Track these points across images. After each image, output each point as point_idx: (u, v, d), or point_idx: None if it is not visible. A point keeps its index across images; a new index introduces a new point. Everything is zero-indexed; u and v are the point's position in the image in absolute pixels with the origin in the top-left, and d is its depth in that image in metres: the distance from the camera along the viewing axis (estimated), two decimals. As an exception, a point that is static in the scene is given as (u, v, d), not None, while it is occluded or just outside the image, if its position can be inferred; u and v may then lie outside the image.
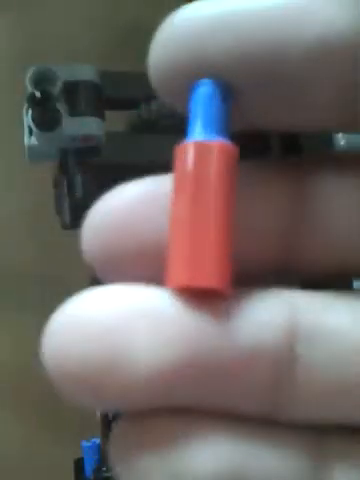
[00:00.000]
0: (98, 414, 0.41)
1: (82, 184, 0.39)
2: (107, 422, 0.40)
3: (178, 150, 0.11)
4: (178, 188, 0.11)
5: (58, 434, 0.53)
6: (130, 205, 0.11)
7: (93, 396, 0.10)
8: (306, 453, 0.11)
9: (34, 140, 0.37)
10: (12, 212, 0.54)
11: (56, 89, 0.35)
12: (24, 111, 0.37)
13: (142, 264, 0.11)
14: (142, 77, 0.44)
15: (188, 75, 0.10)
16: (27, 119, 0.36)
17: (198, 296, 0.10)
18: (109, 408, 0.11)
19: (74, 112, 0.36)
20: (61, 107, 0.35)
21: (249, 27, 0.10)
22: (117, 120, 0.42)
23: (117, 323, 0.10)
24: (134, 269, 0.11)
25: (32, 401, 0.54)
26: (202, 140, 0.10)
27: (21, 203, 0.54)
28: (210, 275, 0.10)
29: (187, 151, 0.10)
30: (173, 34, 0.11)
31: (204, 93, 0.10)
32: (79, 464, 0.42)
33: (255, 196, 0.11)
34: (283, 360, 0.10)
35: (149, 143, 0.40)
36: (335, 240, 0.11)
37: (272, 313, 0.10)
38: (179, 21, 0.11)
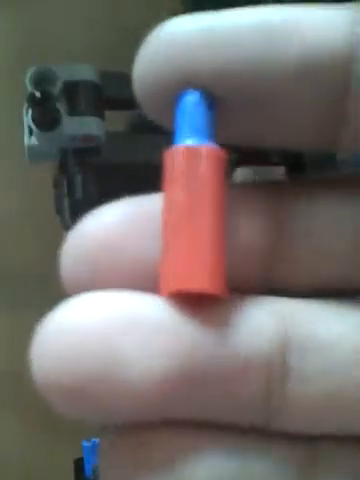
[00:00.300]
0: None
1: (82, 184, 0.39)
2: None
3: (167, 155, 0.11)
4: (169, 193, 0.10)
5: (58, 434, 0.53)
6: (109, 227, 0.11)
7: (83, 408, 0.10)
8: (295, 463, 0.11)
9: (34, 140, 0.37)
10: (12, 212, 0.54)
11: (56, 89, 0.35)
12: (24, 111, 0.37)
13: (128, 286, 0.10)
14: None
15: (173, 90, 0.10)
16: (27, 119, 0.36)
17: (191, 304, 0.10)
18: (98, 420, 0.10)
19: (74, 112, 0.36)
20: (61, 107, 0.35)
21: (235, 43, 0.10)
22: (117, 120, 0.42)
23: (108, 331, 0.10)
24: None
25: (32, 401, 0.53)
26: (190, 145, 0.10)
27: (21, 203, 0.54)
28: (204, 279, 0.10)
29: (176, 155, 0.10)
30: (159, 48, 0.10)
31: (190, 101, 0.10)
32: (79, 464, 0.42)
33: (238, 213, 0.11)
34: (276, 371, 0.10)
35: (149, 143, 0.40)
36: (317, 258, 0.11)
37: (265, 323, 0.10)
38: (165, 35, 0.11)
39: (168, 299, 0.10)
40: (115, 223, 0.11)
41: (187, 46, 0.10)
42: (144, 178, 0.40)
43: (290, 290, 0.11)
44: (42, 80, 0.35)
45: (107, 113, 0.38)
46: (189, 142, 0.10)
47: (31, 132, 0.36)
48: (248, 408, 0.10)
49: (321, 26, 0.10)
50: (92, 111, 0.37)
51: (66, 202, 0.40)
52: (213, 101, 0.10)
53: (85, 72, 0.37)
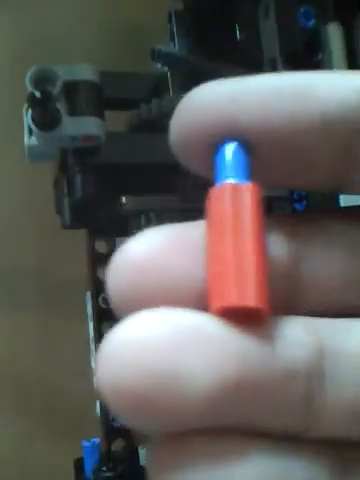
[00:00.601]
0: (98, 414, 0.41)
1: (82, 184, 0.39)
2: (107, 422, 0.41)
3: (213, 191, 0.12)
4: (215, 224, 0.12)
5: (58, 434, 0.53)
6: (154, 249, 0.12)
7: (149, 416, 0.11)
8: (331, 467, 0.12)
9: (34, 140, 0.37)
10: (12, 212, 0.54)
11: (56, 89, 0.35)
12: (24, 111, 0.37)
13: (174, 305, 0.11)
14: (142, 77, 0.44)
15: (212, 142, 0.12)
16: (27, 119, 0.36)
17: (239, 319, 0.11)
18: (161, 428, 0.11)
19: (74, 112, 0.36)
20: (61, 107, 0.35)
21: (266, 100, 0.12)
22: (117, 120, 0.42)
23: (170, 344, 0.11)
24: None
25: (32, 401, 0.54)
26: (234, 182, 0.12)
27: (21, 203, 0.54)
28: (254, 296, 0.11)
29: (223, 191, 0.12)
30: (199, 107, 0.12)
31: (230, 148, 0.12)
32: (79, 464, 0.42)
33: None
34: (315, 379, 0.11)
35: (149, 143, 0.40)
36: (335, 283, 0.12)
37: (303, 335, 0.12)
38: (203, 96, 0.12)
39: (218, 315, 0.11)
40: (160, 245, 0.12)
41: (230, 101, 0.12)
42: (144, 178, 0.40)
43: (311, 314, 0.12)
44: (42, 80, 0.35)
45: (107, 113, 0.38)
46: (232, 181, 0.12)
47: (31, 132, 0.36)
48: (291, 414, 0.11)
49: (335, 86, 0.12)
50: (92, 111, 0.37)
51: (66, 202, 0.40)
52: (248, 152, 0.12)
53: (85, 72, 0.37)
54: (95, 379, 0.11)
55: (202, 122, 0.12)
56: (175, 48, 0.44)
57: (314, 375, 0.11)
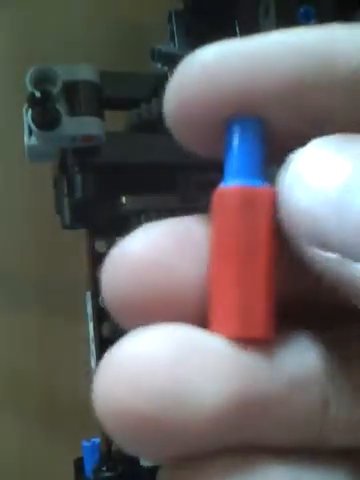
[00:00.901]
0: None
1: (82, 184, 0.39)
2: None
3: (219, 194, 0.10)
4: (221, 237, 0.10)
5: (58, 434, 0.53)
6: (150, 248, 0.11)
7: (152, 439, 0.10)
8: (348, 476, 0.11)
9: (34, 140, 0.37)
10: (12, 212, 0.54)
11: (56, 89, 0.35)
12: (24, 111, 0.37)
13: (165, 312, 0.11)
14: (142, 77, 0.44)
15: (221, 116, 0.10)
16: (27, 119, 0.36)
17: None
18: (167, 452, 0.10)
19: (74, 112, 0.36)
20: (61, 107, 0.35)
21: (282, 58, 0.10)
22: (117, 120, 0.42)
23: (172, 362, 0.10)
24: (156, 317, 0.11)
25: (32, 401, 0.54)
26: (247, 185, 0.10)
27: (21, 203, 0.54)
28: (260, 326, 0.10)
29: (232, 198, 0.10)
30: (204, 70, 0.10)
31: (244, 132, 0.10)
32: (79, 464, 0.42)
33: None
34: (328, 388, 0.11)
35: (149, 143, 0.40)
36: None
37: (309, 345, 0.11)
38: (209, 57, 0.10)
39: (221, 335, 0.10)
40: (159, 241, 0.11)
41: (239, 66, 0.10)
42: (144, 178, 0.40)
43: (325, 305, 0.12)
44: (42, 80, 0.35)
45: (107, 113, 0.38)
46: (243, 181, 0.10)
47: (31, 132, 0.36)
48: (306, 427, 0.11)
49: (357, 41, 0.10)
50: (92, 111, 0.37)
51: (66, 202, 0.40)
52: (262, 129, 0.10)
53: (85, 72, 0.37)
54: (94, 402, 0.10)
55: (210, 90, 0.10)
56: (175, 48, 0.44)
57: (326, 382, 0.11)
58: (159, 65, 0.43)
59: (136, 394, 0.10)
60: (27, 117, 0.36)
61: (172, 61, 0.43)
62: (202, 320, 0.11)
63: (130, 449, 0.10)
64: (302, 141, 0.10)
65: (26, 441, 0.53)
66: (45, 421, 0.54)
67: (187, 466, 0.10)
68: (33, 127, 0.35)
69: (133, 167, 0.40)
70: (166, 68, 0.43)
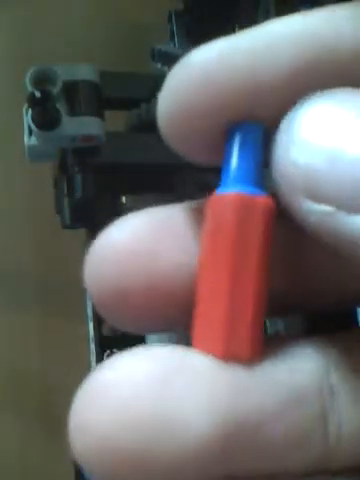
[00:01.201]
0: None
1: (82, 184, 0.39)
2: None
3: (214, 200, 0.10)
4: (213, 246, 0.10)
5: (58, 434, 0.53)
6: (134, 237, 0.10)
7: (141, 474, 0.09)
8: None
9: (34, 140, 0.37)
10: (12, 211, 0.54)
11: (56, 89, 0.35)
12: (24, 111, 0.37)
13: (150, 301, 0.10)
14: (142, 77, 0.44)
15: (221, 123, 0.10)
16: (27, 119, 0.36)
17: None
18: None
19: (74, 112, 0.36)
20: (61, 107, 0.35)
21: (292, 50, 0.10)
22: (117, 120, 0.42)
23: (157, 389, 0.09)
24: (141, 306, 0.10)
25: (32, 401, 0.53)
26: (245, 193, 0.10)
27: (21, 203, 0.54)
28: (246, 349, 0.10)
29: (228, 205, 0.10)
30: (201, 72, 0.10)
31: (242, 139, 0.10)
32: (79, 464, 0.42)
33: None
34: (327, 398, 0.10)
35: (149, 143, 0.40)
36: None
37: (309, 355, 0.10)
38: (206, 58, 0.10)
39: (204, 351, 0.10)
40: (144, 230, 0.10)
41: (240, 64, 0.09)
42: (144, 178, 0.40)
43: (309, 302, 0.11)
44: (42, 80, 0.35)
45: (107, 113, 0.38)
46: (240, 188, 0.10)
47: (31, 132, 0.36)
48: (308, 444, 0.10)
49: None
50: (92, 111, 0.37)
51: (66, 202, 0.39)
52: (264, 136, 0.10)
53: (85, 72, 0.37)
54: (69, 434, 0.09)
55: (211, 93, 0.09)
56: (175, 48, 0.44)
57: (326, 396, 0.10)
58: (159, 65, 0.43)
59: (117, 426, 0.09)
60: (27, 117, 0.36)
61: (172, 61, 0.43)
62: (188, 309, 0.10)
63: None
64: None
65: (26, 441, 0.53)
66: (45, 421, 0.54)
67: None
68: (33, 127, 0.35)
69: (133, 167, 0.40)
70: (166, 68, 0.43)
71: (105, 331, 0.41)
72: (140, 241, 0.10)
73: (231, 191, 0.10)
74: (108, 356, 0.41)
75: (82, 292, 0.47)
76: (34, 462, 0.53)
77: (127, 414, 0.09)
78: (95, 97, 0.37)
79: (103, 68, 0.39)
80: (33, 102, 0.34)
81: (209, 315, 0.10)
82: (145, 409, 0.09)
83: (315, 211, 0.09)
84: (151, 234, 0.10)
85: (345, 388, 0.10)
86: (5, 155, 0.53)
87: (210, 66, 0.10)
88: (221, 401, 0.09)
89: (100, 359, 0.40)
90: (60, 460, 0.49)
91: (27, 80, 0.34)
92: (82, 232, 0.42)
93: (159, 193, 0.40)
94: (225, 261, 0.10)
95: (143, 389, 0.09)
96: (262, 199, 0.10)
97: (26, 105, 0.36)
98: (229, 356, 0.10)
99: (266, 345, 0.10)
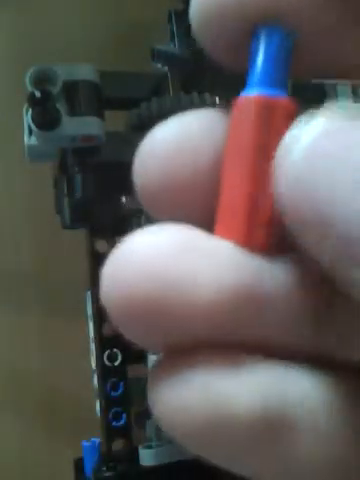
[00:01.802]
0: (98, 414, 0.41)
1: (82, 184, 0.39)
2: (107, 422, 0.40)
3: (239, 102, 0.10)
4: (236, 141, 0.10)
5: (58, 434, 0.53)
6: (179, 135, 0.11)
7: (153, 322, 0.10)
8: (345, 391, 0.11)
9: (34, 140, 0.37)
10: (12, 211, 0.54)
11: (56, 89, 0.35)
12: (24, 111, 0.37)
13: (192, 194, 0.11)
14: (142, 77, 0.44)
15: (247, 23, 0.10)
16: (27, 119, 0.36)
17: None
18: (166, 337, 0.11)
19: (74, 112, 0.36)
20: (61, 107, 0.35)
21: None
22: (117, 120, 0.42)
23: (176, 255, 0.11)
24: (185, 198, 0.11)
25: (32, 401, 0.54)
26: (268, 95, 0.10)
27: (21, 203, 0.54)
28: (263, 240, 0.11)
29: (250, 104, 0.10)
30: None
31: (267, 42, 0.10)
32: (79, 464, 0.42)
33: None
34: (328, 289, 0.11)
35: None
36: None
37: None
38: None
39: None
40: (186, 129, 0.11)
41: None
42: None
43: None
44: (42, 80, 0.35)
45: (107, 113, 0.38)
46: (265, 92, 0.10)
47: (31, 132, 0.36)
48: (303, 325, 0.11)
49: None
50: (92, 111, 0.37)
51: (66, 202, 0.40)
52: (291, 41, 0.10)
53: (85, 72, 0.37)
54: (101, 292, 0.11)
55: None
56: (175, 48, 0.44)
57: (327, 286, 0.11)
58: (159, 65, 0.43)
59: (142, 277, 0.10)
60: (27, 117, 0.36)
61: (172, 61, 0.43)
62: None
63: (130, 331, 0.11)
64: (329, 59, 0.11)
65: (26, 441, 0.53)
66: (45, 421, 0.54)
67: (179, 353, 0.11)
68: (33, 127, 0.35)
69: (133, 167, 0.40)
70: (166, 68, 0.43)
71: (105, 331, 0.41)
72: (184, 140, 0.11)
73: (254, 93, 0.10)
74: (108, 356, 0.41)
75: (82, 292, 0.47)
76: (34, 462, 0.53)
77: (148, 270, 0.10)
78: (95, 97, 0.37)
79: (103, 68, 0.39)
80: (33, 102, 0.34)
81: (231, 207, 0.11)
82: (164, 268, 0.10)
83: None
84: (192, 133, 0.11)
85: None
86: (5, 155, 0.53)
87: None
88: (230, 273, 0.11)
89: (100, 359, 0.40)
90: (60, 460, 0.49)
91: (27, 80, 0.34)
92: (82, 232, 0.42)
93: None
94: (246, 157, 0.10)
95: (164, 252, 0.11)
96: (284, 101, 0.10)
97: (26, 105, 0.36)
98: (247, 244, 0.11)
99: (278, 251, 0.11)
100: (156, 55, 0.42)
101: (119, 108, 0.43)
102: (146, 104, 0.41)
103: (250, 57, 0.10)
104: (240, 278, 0.11)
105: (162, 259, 0.10)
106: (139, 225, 0.40)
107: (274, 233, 0.11)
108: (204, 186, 0.11)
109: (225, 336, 0.11)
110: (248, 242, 0.11)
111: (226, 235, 0.11)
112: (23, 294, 0.54)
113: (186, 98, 0.40)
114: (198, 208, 0.12)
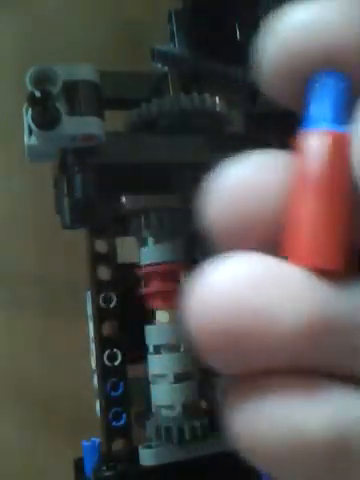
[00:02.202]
0: (98, 414, 0.41)
1: (82, 184, 0.39)
2: (107, 422, 0.40)
3: (308, 135, 0.11)
4: (306, 171, 0.11)
5: (58, 434, 0.53)
6: (251, 174, 0.12)
7: (240, 356, 0.11)
8: None
9: (34, 139, 0.37)
10: (12, 211, 0.54)
11: (56, 88, 0.35)
12: (24, 110, 0.37)
13: (261, 230, 0.12)
14: (142, 77, 0.45)
15: (310, 69, 0.11)
16: (27, 118, 0.36)
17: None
18: (248, 364, 0.12)
19: (74, 111, 0.36)
20: (61, 107, 0.35)
21: None
22: (117, 120, 0.42)
23: (255, 286, 0.11)
24: (254, 234, 0.12)
25: (32, 401, 0.54)
26: (338, 130, 0.11)
27: (21, 203, 0.54)
28: (333, 259, 0.11)
29: (322, 140, 0.11)
30: (296, 28, 0.11)
31: (329, 83, 0.11)
32: (79, 464, 0.42)
33: None
34: None
35: (149, 143, 0.40)
36: None
37: None
38: (299, 18, 0.11)
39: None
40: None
41: (328, 25, 0.11)
42: (144, 178, 0.40)
43: None
44: (42, 80, 0.35)
45: (107, 113, 0.38)
46: (331, 127, 0.11)
47: (31, 131, 0.36)
48: None
49: None
50: (92, 111, 0.37)
51: (66, 202, 0.39)
52: (347, 85, 0.11)
53: (85, 72, 0.37)
54: (186, 322, 0.12)
55: (301, 48, 0.11)
56: (175, 48, 0.44)
57: None
58: (159, 65, 0.43)
59: (229, 311, 0.11)
60: (27, 117, 0.36)
61: (172, 61, 0.43)
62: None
63: (218, 361, 0.12)
64: None
65: (26, 441, 0.53)
66: (45, 421, 0.54)
67: (256, 378, 0.12)
68: (33, 127, 0.35)
69: (133, 167, 0.40)
70: (166, 68, 0.43)
71: (105, 331, 0.41)
72: (256, 178, 0.12)
73: (322, 128, 0.11)
74: (108, 356, 0.40)
75: (82, 292, 0.47)
76: (34, 462, 0.53)
77: (229, 305, 0.11)
78: (95, 97, 0.37)
79: (103, 68, 0.39)
80: (33, 102, 0.34)
81: (299, 231, 0.11)
82: (243, 301, 0.11)
83: None
84: (262, 171, 0.12)
85: None
86: (5, 155, 0.53)
87: (298, 26, 0.11)
88: (311, 302, 0.11)
89: (100, 359, 0.40)
90: (60, 460, 0.49)
91: (27, 80, 0.34)
92: (82, 232, 0.42)
93: (159, 193, 0.40)
94: (315, 185, 0.11)
95: (241, 284, 0.11)
96: (349, 135, 0.11)
97: (26, 105, 0.36)
98: (316, 264, 0.11)
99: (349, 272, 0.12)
100: (156, 55, 0.42)
101: (119, 108, 0.42)
102: (146, 104, 0.41)
103: (311, 96, 0.11)
104: (316, 304, 0.11)
105: (237, 293, 0.11)
106: (139, 225, 0.40)
107: (346, 256, 0.11)
108: (271, 218, 0.12)
109: (302, 362, 0.11)
110: (321, 267, 0.11)
111: (297, 261, 0.11)
112: (23, 294, 0.54)
113: (186, 98, 0.40)
114: (263, 240, 0.12)
